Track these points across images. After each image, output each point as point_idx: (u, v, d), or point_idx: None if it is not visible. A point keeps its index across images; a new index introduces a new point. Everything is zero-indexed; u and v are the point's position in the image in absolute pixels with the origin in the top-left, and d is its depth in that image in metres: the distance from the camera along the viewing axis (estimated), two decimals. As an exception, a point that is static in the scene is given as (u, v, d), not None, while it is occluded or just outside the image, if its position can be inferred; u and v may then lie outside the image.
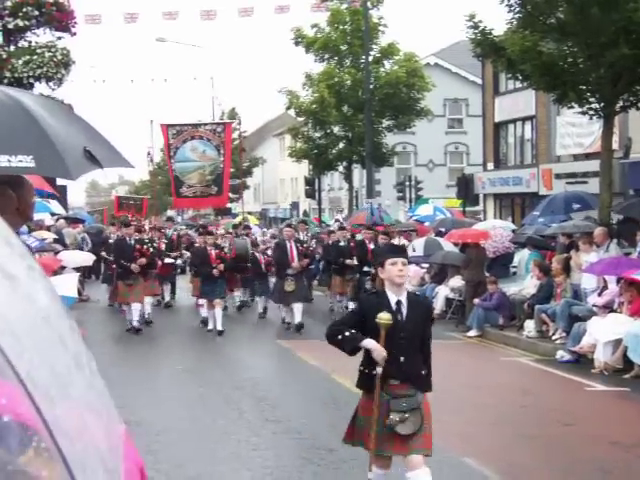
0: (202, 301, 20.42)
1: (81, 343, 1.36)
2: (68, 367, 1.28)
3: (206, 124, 26.71)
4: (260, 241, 25.10)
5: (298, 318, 19.46)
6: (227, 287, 21.11)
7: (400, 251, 6.87)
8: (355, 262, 21.56)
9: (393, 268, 6.50)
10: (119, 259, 19.75)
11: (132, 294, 19.35)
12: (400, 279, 6.54)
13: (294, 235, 21.05)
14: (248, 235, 24.39)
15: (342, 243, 22.46)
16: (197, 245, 21.42)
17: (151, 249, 20.04)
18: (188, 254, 25.16)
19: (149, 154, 29.42)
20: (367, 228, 22.18)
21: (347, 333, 6.44)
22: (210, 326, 19.57)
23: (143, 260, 19.51)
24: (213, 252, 19.69)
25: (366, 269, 20.35)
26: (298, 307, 19.55)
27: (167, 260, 23.61)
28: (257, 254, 22.75)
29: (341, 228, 24.30)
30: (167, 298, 25.14)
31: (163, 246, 23.78)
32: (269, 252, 23.07)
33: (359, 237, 23.18)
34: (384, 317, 6.35)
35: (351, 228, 26.45)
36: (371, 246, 20.63)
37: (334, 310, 22.84)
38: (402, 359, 6.47)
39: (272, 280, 22.11)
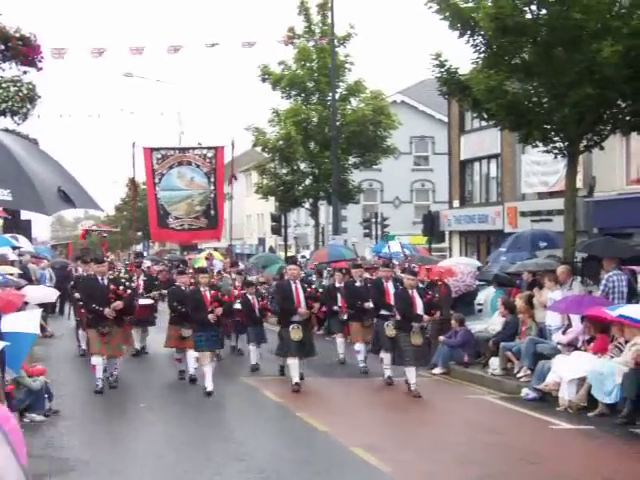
0: (179, 355, 18.01)
1: None
2: None
3: (194, 148, 23.83)
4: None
5: (300, 369, 16.68)
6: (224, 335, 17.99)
7: None
8: (371, 305, 18.33)
9: None
10: (89, 302, 16.40)
11: (104, 346, 16.16)
12: None
13: (300, 275, 17.64)
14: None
15: (358, 283, 19.53)
16: (178, 285, 18.74)
17: (129, 290, 16.64)
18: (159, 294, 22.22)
19: (133, 180, 26.29)
20: (384, 265, 18.92)
21: None
22: (210, 387, 15.87)
23: (119, 304, 16.13)
24: (208, 294, 16.34)
25: (384, 312, 17.31)
26: (302, 361, 16.74)
27: (144, 301, 20.44)
28: (250, 296, 19.55)
29: (357, 266, 20.61)
30: (144, 343, 21.85)
31: (141, 284, 21.14)
32: (263, 291, 20.95)
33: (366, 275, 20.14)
34: None
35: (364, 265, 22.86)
36: (389, 285, 17.47)
37: (344, 363, 20.24)
38: None
39: (267, 327, 19.89)
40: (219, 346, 16.87)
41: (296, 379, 16.35)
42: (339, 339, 20.90)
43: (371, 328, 18.45)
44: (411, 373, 15.94)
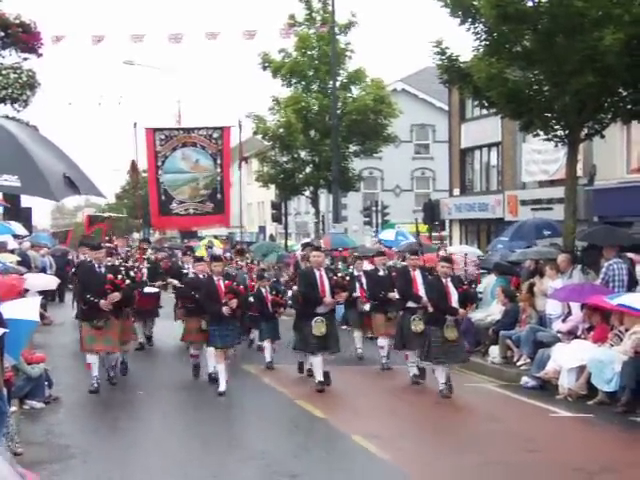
0: (196, 351, 16.53)
1: None
2: None
3: (200, 129, 22.38)
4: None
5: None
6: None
7: None
8: (397, 296, 16.80)
9: None
10: (85, 292, 15.07)
11: (101, 341, 14.81)
12: None
13: (324, 262, 16.41)
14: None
15: (382, 272, 18.10)
16: (189, 273, 17.67)
17: (127, 279, 15.07)
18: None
19: (134, 163, 25.41)
20: (412, 253, 17.27)
21: None
22: (222, 387, 14.72)
23: (116, 295, 14.66)
24: (222, 284, 14.91)
25: (411, 305, 15.97)
26: (328, 358, 15.41)
27: (149, 289, 19.31)
28: (262, 289, 18.20)
29: (380, 253, 19.31)
30: (150, 333, 20.74)
31: (145, 272, 19.31)
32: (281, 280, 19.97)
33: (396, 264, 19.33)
34: None
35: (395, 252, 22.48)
36: (417, 274, 16.09)
37: (363, 358, 18.89)
38: None
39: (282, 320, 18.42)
40: (235, 341, 15.35)
41: (319, 377, 15.00)
42: (356, 333, 19.50)
43: (394, 321, 17.07)
44: (440, 372, 14.64)
